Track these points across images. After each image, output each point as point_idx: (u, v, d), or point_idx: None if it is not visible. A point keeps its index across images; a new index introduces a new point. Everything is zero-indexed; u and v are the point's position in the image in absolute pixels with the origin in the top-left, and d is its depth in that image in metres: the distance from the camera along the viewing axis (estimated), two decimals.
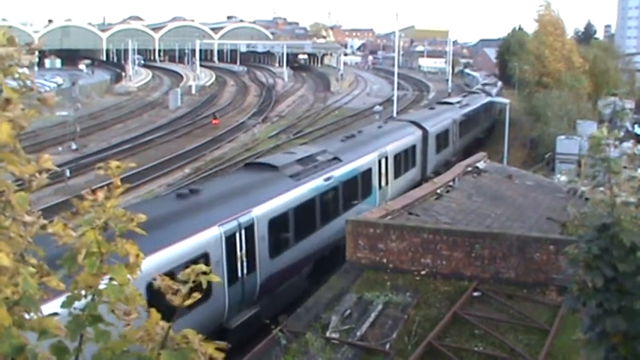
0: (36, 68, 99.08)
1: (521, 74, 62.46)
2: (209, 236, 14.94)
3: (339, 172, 21.58)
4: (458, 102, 42.82)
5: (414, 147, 29.44)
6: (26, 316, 2.47)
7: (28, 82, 2.52)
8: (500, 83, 72.30)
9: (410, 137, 29.22)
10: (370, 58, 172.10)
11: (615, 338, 5.33)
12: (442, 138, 34.47)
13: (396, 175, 26.71)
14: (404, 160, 27.97)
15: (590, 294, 5.54)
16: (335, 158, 22.11)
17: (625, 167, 5.97)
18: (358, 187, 23.15)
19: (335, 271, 17.68)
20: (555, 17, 60.82)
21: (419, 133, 30.47)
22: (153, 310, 2.54)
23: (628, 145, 6.60)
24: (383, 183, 25.32)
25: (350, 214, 21.16)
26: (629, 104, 46.88)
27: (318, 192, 19.98)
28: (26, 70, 2.54)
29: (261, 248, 16.81)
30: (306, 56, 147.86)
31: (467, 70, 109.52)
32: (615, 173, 5.90)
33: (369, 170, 24.15)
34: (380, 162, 25.04)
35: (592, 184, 6.14)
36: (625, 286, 5.47)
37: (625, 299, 5.44)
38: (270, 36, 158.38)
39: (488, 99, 49.65)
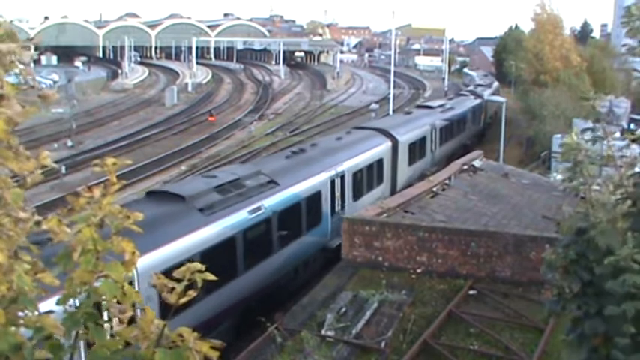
0: (32, 65, 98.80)
1: (517, 72, 62.54)
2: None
3: (274, 200, 17.79)
4: (440, 105, 38.76)
5: (380, 161, 25.42)
6: (22, 313, 2.47)
7: (30, 79, 2.50)
8: (496, 83, 71.02)
9: (376, 149, 25.22)
10: (366, 56, 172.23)
11: (596, 340, 5.36)
12: (417, 147, 30.20)
13: (357, 196, 22.96)
14: (367, 177, 24.07)
15: (569, 298, 5.60)
16: (271, 182, 18.38)
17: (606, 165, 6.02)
18: (301, 216, 19.29)
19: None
20: (554, 15, 60.97)
21: (387, 143, 26.42)
22: (147, 308, 2.54)
23: (622, 144, 6.61)
24: (337, 208, 21.48)
25: (288, 250, 18.29)
26: (625, 103, 47.04)
27: (239, 228, 16.19)
28: (32, 65, 2.52)
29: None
30: (302, 54, 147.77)
31: (465, 70, 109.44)
32: (590, 176, 5.95)
33: (318, 194, 20.28)
34: (333, 182, 21.19)
35: (569, 187, 6.18)
36: (602, 289, 5.51)
37: (604, 301, 5.48)
38: (267, 34, 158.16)
39: (478, 101, 46.84)
